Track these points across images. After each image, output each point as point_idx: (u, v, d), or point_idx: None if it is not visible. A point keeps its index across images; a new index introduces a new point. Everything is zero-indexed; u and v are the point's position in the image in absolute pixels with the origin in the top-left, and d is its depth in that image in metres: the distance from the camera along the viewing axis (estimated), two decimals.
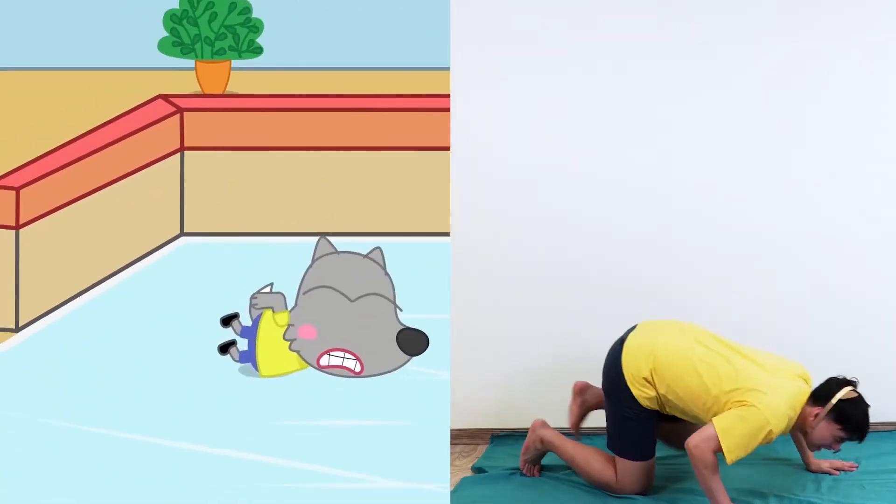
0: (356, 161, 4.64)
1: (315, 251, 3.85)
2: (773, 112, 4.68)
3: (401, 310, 3.82)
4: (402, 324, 3.84)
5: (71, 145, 4.44)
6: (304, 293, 3.85)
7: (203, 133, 4.65)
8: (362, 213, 4.61)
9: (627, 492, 4.09)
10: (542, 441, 4.32)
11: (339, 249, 3.86)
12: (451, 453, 4.53)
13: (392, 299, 3.84)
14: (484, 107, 4.73)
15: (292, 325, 3.84)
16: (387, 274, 3.85)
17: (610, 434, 4.16)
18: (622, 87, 4.74)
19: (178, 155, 4.65)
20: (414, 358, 3.87)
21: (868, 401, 4.10)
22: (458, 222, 4.68)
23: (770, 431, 3.83)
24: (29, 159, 4.35)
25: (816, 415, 3.92)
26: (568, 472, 4.35)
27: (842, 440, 3.92)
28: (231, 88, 4.82)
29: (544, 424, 4.34)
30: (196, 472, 3.43)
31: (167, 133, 4.62)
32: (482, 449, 4.66)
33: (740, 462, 4.06)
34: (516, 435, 4.68)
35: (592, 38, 4.67)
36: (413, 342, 3.80)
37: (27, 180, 4.24)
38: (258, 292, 3.88)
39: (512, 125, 4.75)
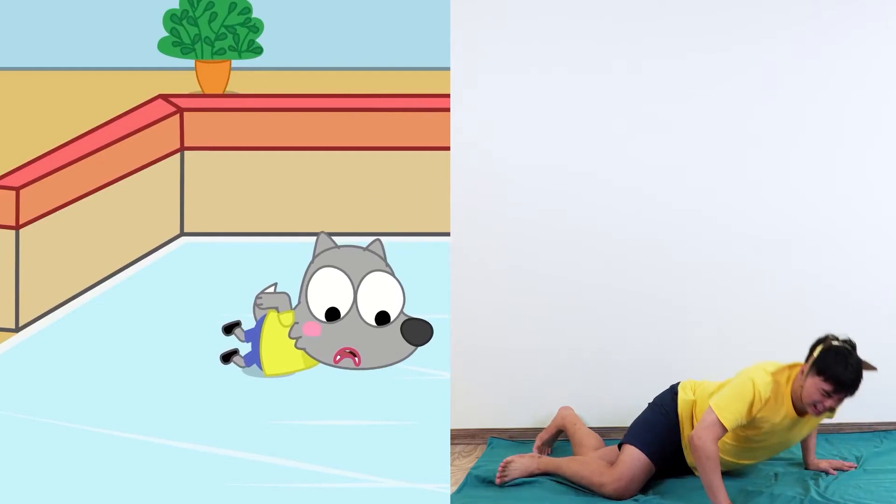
0: (356, 161, 4.63)
1: (315, 247, 3.84)
2: (773, 112, 4.68)
3: (403, 301, 3.85)
4: (405, 314, 3.84)
5: (71, 145, 4.44)
6: (307, 293, 3.85)
7: (203, 133, 4.64)
8: (362, 213, 4.59)
9: (614, 482, 4.05)
10: (563, 421, 4.39)
11: (339, 244, 3.87)
12: (451, 453, 4.52)
13: (398, 294, 3.86)
14: (484, 107, 4.72)
15: (297, 322, 3.82)
16: (388, 265, 3.85)
17: (632, 425, 4.20)
18: (623, 87, 4.74)
19: (178, 155, 4.65)
20: (413, 355, 3.87)
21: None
22: (458, 222, 4.67)
23: (755, 389, 3.83)
24: (29, 159, 4.35)
25: (803, 372, 3.89)
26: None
27: (829, 394, 3.82)
28: (231, 88, 4.83)
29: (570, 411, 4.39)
30: (196, 472, 3.41)
31: (167, 133, 4.61)
32: (482, 449, 4.66)
33: (738, 463, 4.11)
34: (514, 440, 4.72)
35: (593, 39, 4.69)
36: (417, 332, 3.80)
37: (27, 180, 4.23)
38: (263, 292, 3.87)
39: (513, 125, 4.74)
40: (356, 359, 3.82)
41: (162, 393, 3.77)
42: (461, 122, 4.67)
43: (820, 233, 4.71)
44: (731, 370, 4.18)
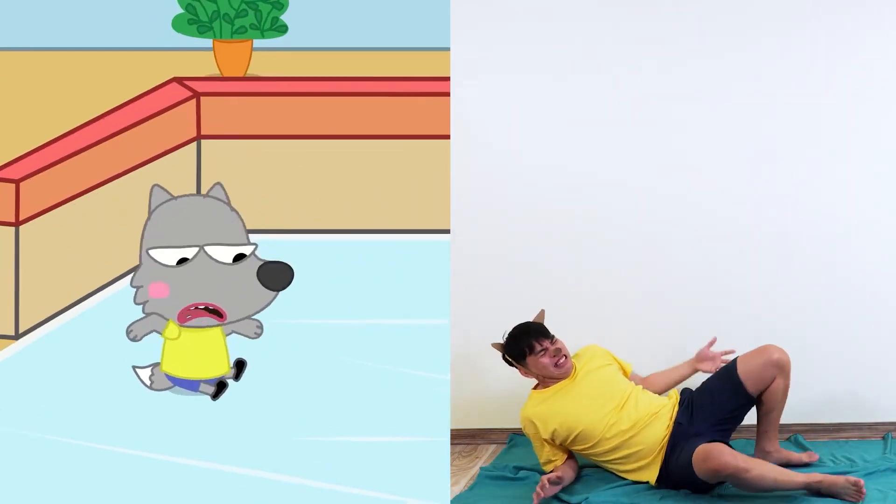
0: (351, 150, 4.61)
1: (151, 202, 3.75)
2: (782, 112, 4.78)
3: (255, 245, 3.74)
4: (259, 259, 3.73)
5: (76, 133, 4.39)
6: (148, 250, 3.74)
7: (222, 120, 4.59)
8: (358, 208, 4.59)
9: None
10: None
11: (175, 195, 3.79)
12: (451, 453, 4.63)
13: (244, 235, 3.75)
14: (486, 106, 4.83)
15: (141, 286, 3.71)
16: (233, 210, 3.76)
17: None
18: (628, 87, 4.83)
19: (195, 144, 4.58)
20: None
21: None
22: (458, 221, 4.75)
23: (528, 434, 4.32)
24: (30, 149, 4.31)
25: (524, 374, 4.36)
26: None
27: (540, 355, 4.25)
28: (253, 71, 4.79)
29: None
30: (199, 488, 3.44)
31: (182, 120, 4.56)
32: (482, 449, 4.79)
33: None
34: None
35: (599, 38, 4.81)
36: (276, 276, 3.70)
37: (28, 172, 4.19)
38: (132, 323, 3.77)
39: (515, 123, 4.84)
40: (220, 316, 3.73)
41: (169, 407, 3.75)
42: (463, 121, 4.76)
43: (829, 230, 4.79)
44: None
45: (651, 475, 4.15)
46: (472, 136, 4.78)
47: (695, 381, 4.43)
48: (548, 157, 4.82)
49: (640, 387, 4.32)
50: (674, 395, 4.29)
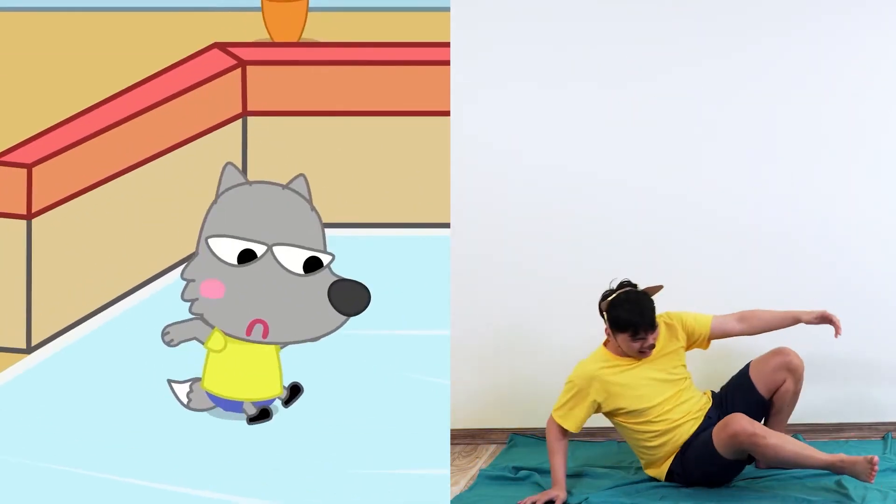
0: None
1: (221, 182, 3.71)
2: (782, 112, 4.87)
3: (332, 256, 3.69)
4: (334, 274, 3.67)
5: (99, 110, 4.32)
6: (208, 238, 3.70)
7: (271, 93, 4.54)
8: (347, 198, 4.49)
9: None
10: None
11: (251, 180, 3.78)
12: (451, 453, 4.79)
13: (321, 240, 3.70)
14: (486, 106, 4.89)
15: (193, 280, 3.66)
16: (313, 209, 3.70)
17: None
18: (628, 87, 4.94)
19: (240, 122, 4.53)
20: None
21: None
22: (458, 220, 4.78)
23: (573, 385, 4.39)
24: (45, 127, 4.25)
25: (608, 333, 4.51)
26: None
27: (636, 338, 4.40)
28: (308, 35, 4.75)
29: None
30: None
31: (224, 93, 4.51)
32: (482, 449, 4.95)
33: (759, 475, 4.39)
34: (534, 436, 4.95)
35: (600, 38, 4.89)
36: (350, 297, 3.63)
37: (42, 155, 4.12)
38: (171, 324, 3.75)
39: (515, 123, 4.92)
40: (264, 329, 3.70)
41: (207, 432, 3.69)
42: (465, 121, 4.77)
43: (830, 231, 4.90)
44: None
45: (662, 471, 4.37)
46: (472, 136, 4.87)
47: (712, 383, 4.61)
48: (548, 157, 4.96)
49: (690, 379, 4.50)
50: (708, 394, 4.56)
